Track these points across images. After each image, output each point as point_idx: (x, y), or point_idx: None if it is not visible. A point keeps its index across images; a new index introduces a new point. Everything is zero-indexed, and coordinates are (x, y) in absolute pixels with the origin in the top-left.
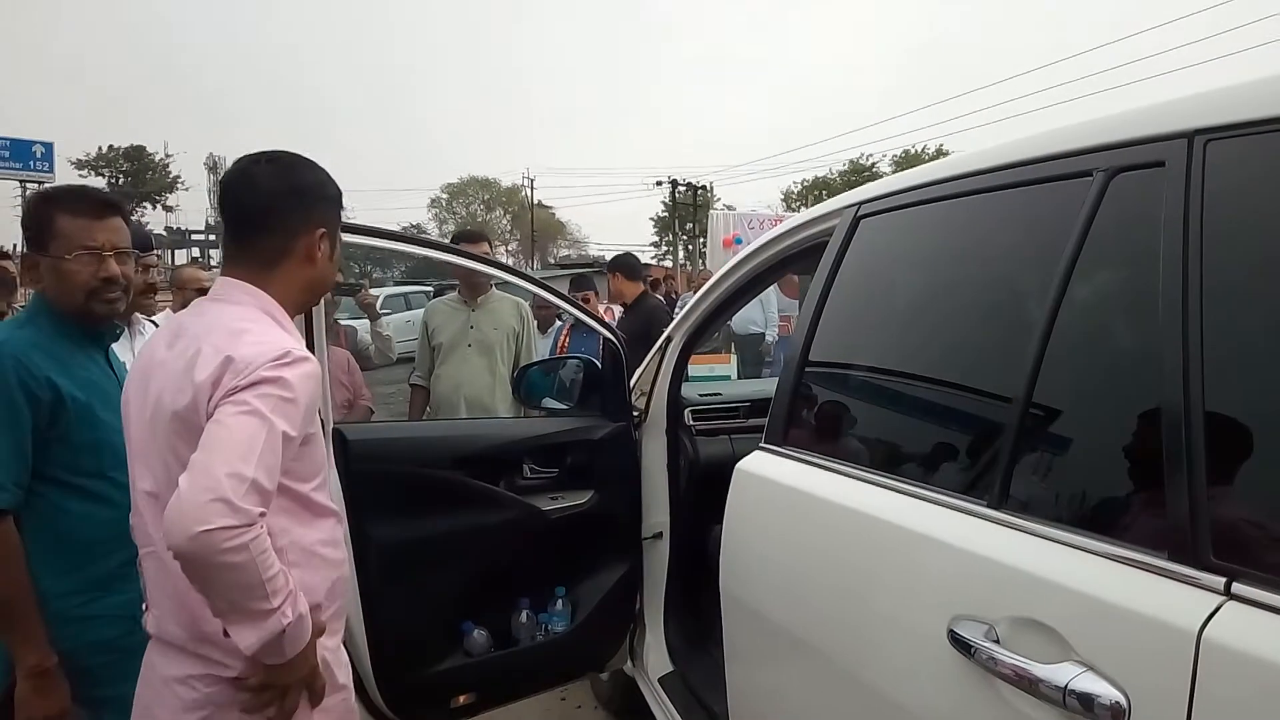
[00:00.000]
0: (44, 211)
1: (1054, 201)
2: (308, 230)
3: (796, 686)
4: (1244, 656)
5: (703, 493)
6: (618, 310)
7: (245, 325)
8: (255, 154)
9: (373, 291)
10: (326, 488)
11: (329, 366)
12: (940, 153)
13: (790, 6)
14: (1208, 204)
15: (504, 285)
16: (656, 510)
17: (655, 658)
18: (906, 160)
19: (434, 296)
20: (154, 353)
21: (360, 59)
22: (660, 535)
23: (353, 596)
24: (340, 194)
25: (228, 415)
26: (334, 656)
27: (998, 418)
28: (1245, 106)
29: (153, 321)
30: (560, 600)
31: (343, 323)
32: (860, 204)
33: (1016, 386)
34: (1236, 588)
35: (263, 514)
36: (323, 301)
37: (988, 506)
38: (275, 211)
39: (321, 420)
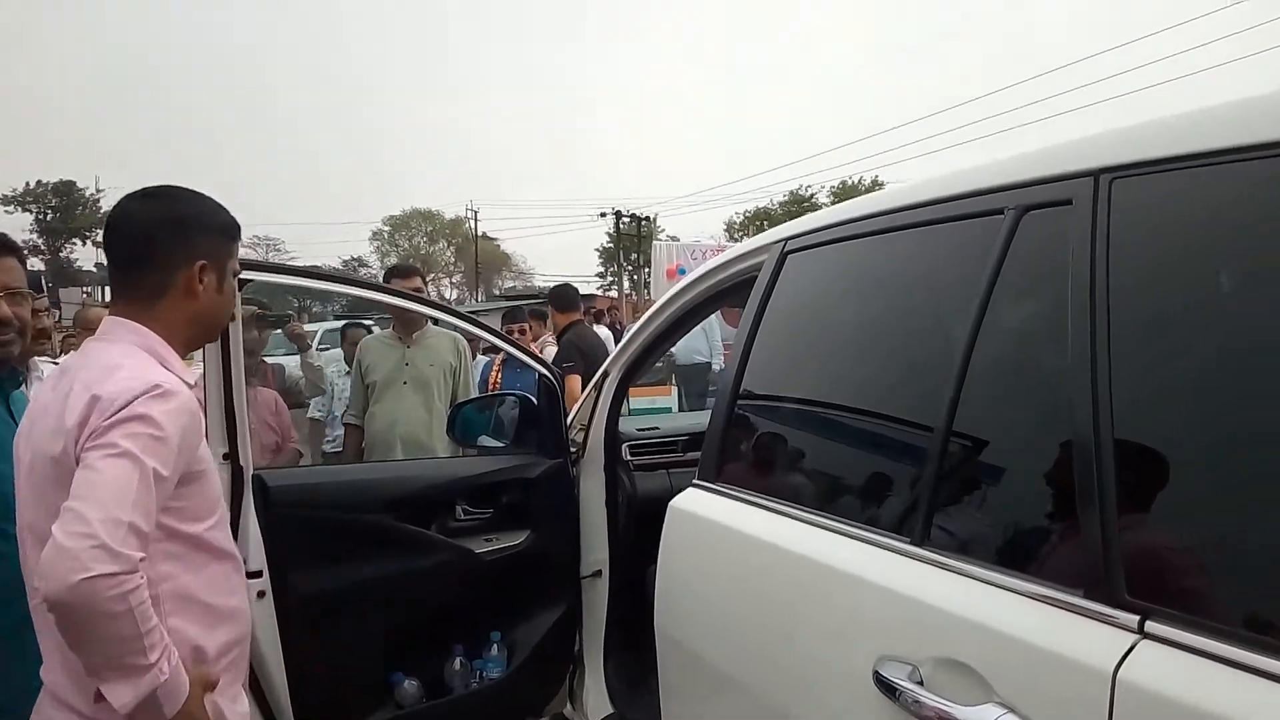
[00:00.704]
0: None
1: (968, 239)
2: (187, 263)
3: None
4: (1157, 698)
5: (641, 529)
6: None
7: (120, 362)
8: (139, 190)
9: (310, 326)
10: (225, 528)
11: (255, 408)
12: (875, 183)
13: (732, 40)
14: (1114, 240)
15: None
16: (595, 548)
17: (595, 700)
18: (844, 190)
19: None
20: (40, 396)
21: (299, 93)
22: (599, 574)
23: (274, 648)
24: (230, 225)
25: (96, 459)
26: (231, 710)
27: (919, 454)
28: (1148, 145)
29: (53, 363)
30: (496, 645)
31: (274, 360)
32: (786, 239)
33: (936, 422)
34: (1150, 626)
35: (142, 559)
36: (238, 337)
37: (911, 544)
38: (152, 246)
39: (240, 461)
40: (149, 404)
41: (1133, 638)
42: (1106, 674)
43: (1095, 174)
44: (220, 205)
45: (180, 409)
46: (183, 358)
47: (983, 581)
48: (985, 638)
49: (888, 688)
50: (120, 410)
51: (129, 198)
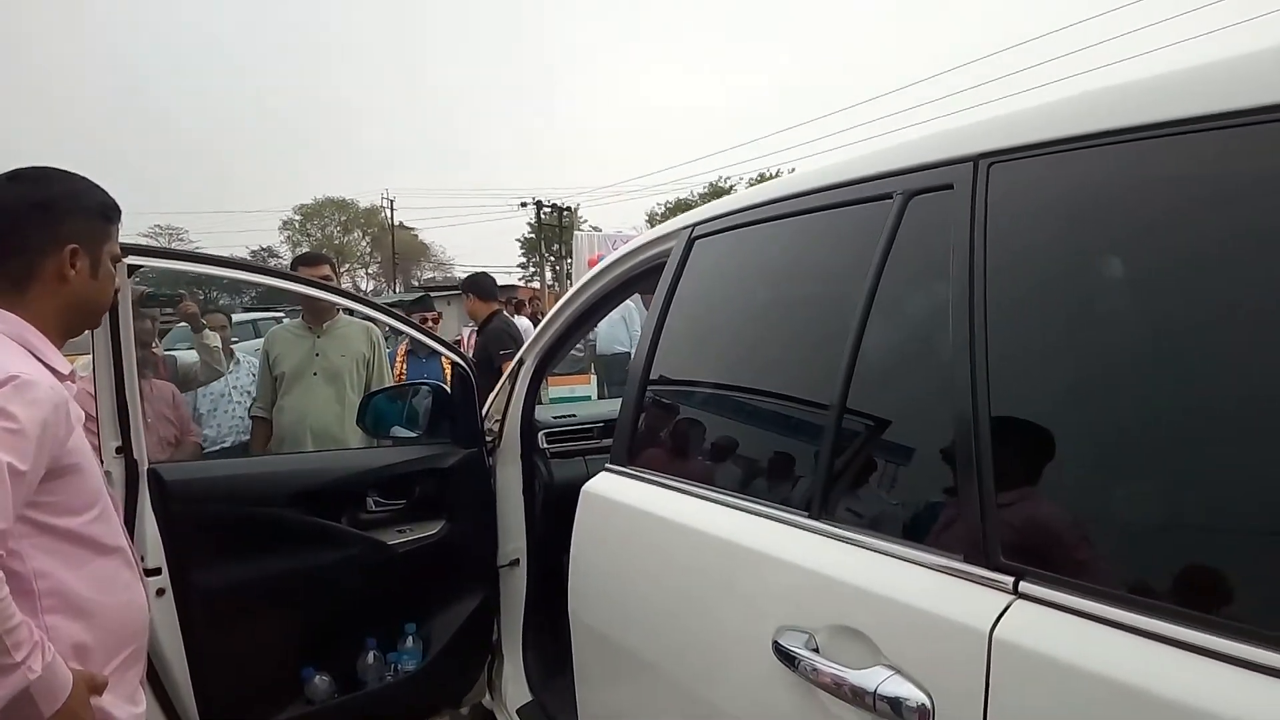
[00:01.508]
0: None
1: (860, 223)
2: (55, 248)
3: (642, 707)
4: (1032, 654)
5: (559, 517)
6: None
7: None
8: (6, 173)
9: (218, 317)
10: (110, 521)
11: (151, 401)
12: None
13: (652, 33)
14: (991, 222)
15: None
16: (513, 537)
17: (514, 688)
18: (762, 182)
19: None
20: None
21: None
22: (517, 562)
23: (176, 645)
24: (105, 205)
25: None
26: (127, 711)
27: (815, 430)
28: (1023, 131)
29: None
30: (410, 637)
31: (166, 351)
32: (694, 225)
33: (830, 399)
34: (1024, 586)
35: (1, 555)
36: (128, 325)
37: (809, 517)
38: (17, 230)
39: (134, 454)
40: (4, 397)
41: (1007, 598)
42: (983, 633)
43: (975, 159)
44: (95, 186)
45: (40, 400)
46: (60, 346)
47: (874, 551)
48: (874, 603)
49: (787, 657)
50: None
51: None
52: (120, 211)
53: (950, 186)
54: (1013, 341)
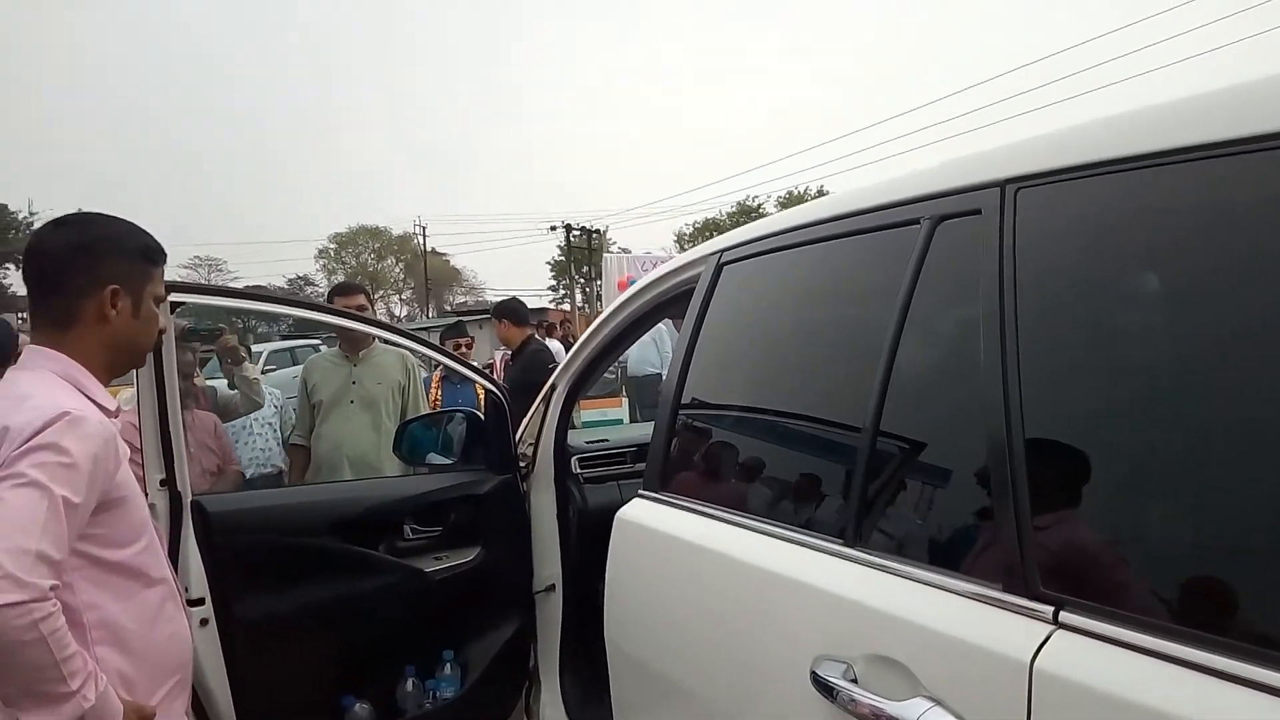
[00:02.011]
0: None
1: (889, 248)
2: (96, 289)
3: None
4: (1074, 686)
5: (593, 542)
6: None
7: (31, 391)
8: (54, 218)
9: (257, 347)
10: (156, 552)
11: (194, 431)
12: (821, 193)
13: (679, 54)
14: (1020, 247)
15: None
16: (548, 562)
17: (552, 714)
18: (790, 200)
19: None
20: None
21: (237, 112)
22: (552, 588)
23: (220, 675)
24: (148, 249)
25: (4, 489)
26: None
27: (848, 456)
28: (1050, 156)
29: None
30: (449, 664)
31: (208, 382)
32: (722, 251)
33: (862, 424)
34: (1064, 616)
35: (54, 586)
36: (171, 361)
37: (845, 545)
38: (60, 273)
39: (178, 487)
40: (58, 432)
41: (1048, 628)
42: (1024, 663)
43: (1001, 184)
44: (138, 229)
45: (91, 435)
46: (105, 384)
47: (911, 580)
48: (912, 633)
49: (825, 687)
50: (29, 440)
51: (43, 227)
52: (164, 254)
53: (978, 212)
54: (1046, 365)
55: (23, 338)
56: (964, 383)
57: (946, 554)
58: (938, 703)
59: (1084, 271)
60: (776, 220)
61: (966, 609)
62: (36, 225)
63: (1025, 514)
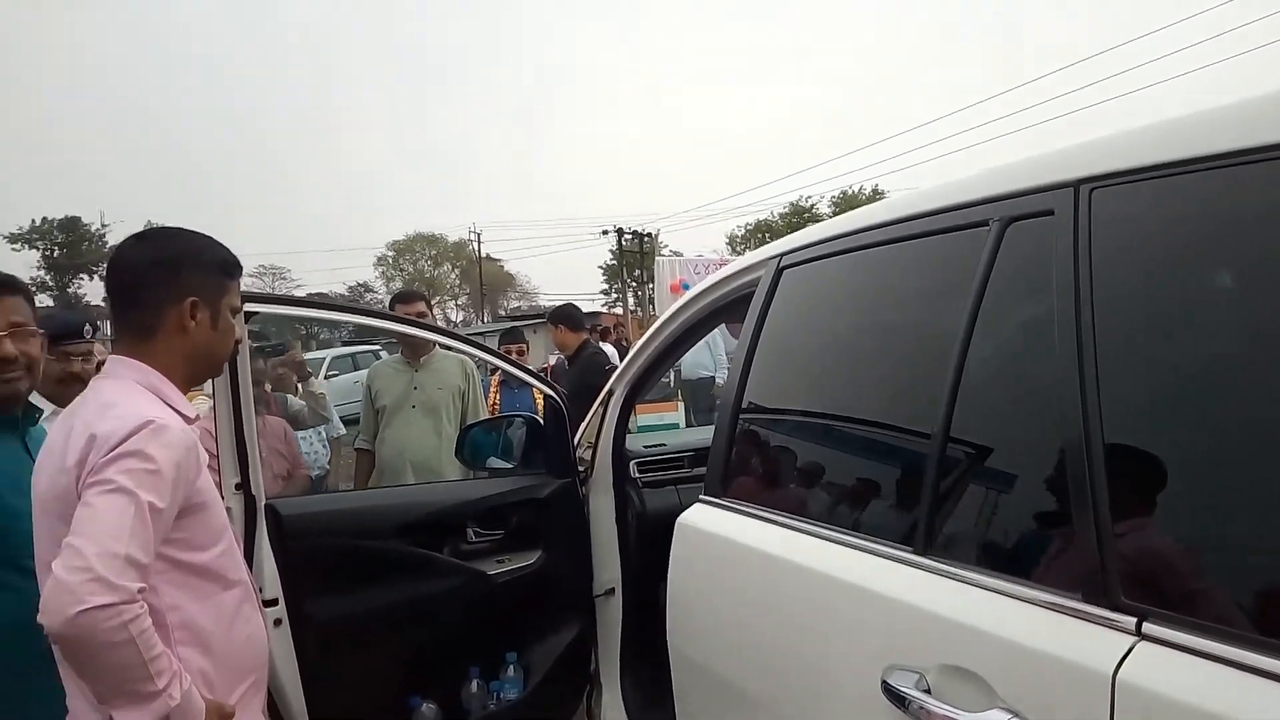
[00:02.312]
0: None
1: (956, 251)
2: (175, 301)
3: None
4: (1158, 699)
5: (652, 546)
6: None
7: (116, 399)
8: (136, 232)
9: (318, 354)
10: (234, 555)
11: (265, 437)
12: (876, 192)
13: (726, 52)
14: (1095, 248)
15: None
16: (607, 566)
17: (613, 717)
18: (844, 200)
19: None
20: (50, 436)
21: (300, 120)
22: (612, 592)
23: (293, 675)
24: (225, 262)
25: (93, 495)
26: None
27: (918, 463)
28: (1124, 155)
29: None
30: (512, 666)
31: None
32: (782, 255)
33: (934, 432)
34: (1147, 628)
35: (142, 589)
36: (245, 369)
37: (914, 553)
38: (142, 285)
39: (253, 491)
40: (143, 440)
41: (1130, 640)
42: (1106, 676)
43: (1075, 184)
44: (215, 243)
45: (174, 443)
46: (185, 392)
47: (984, 588)
48: (988, 644)
49: (896, 697)
50: (115, 447)
51: (125, 241)
52: (240, 267)
53: (1051, 212)
54: (1125, 368)
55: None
56: (1039, 387)
57: (1022, 563)
58: (1015, 715)
59: (1164, 273)
60: (838, 223)
61: (1044, 619)
62: (109, 238)
63: (1105, 521)
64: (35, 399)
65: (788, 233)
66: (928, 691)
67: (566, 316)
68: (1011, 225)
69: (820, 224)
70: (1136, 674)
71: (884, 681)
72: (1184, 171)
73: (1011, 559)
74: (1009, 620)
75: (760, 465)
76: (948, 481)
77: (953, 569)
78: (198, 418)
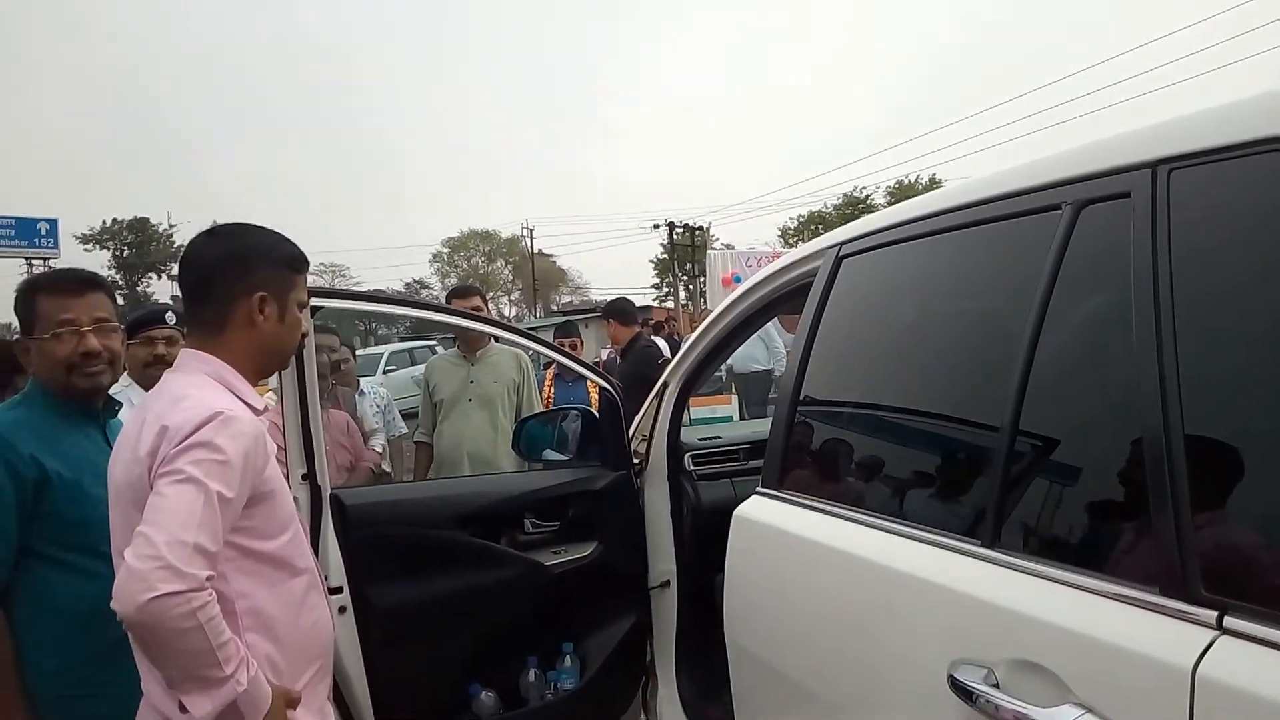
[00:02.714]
0: (28, 297)
1: (1026, 236)
2: (246, 295)
3: None
4: (1239, 693)
5: (707, 539)
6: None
7: (187, 391)
8: (206, 229)
9: (375, 350)
10: (301, 543)
11: (329, 430)
12: (933, 180)
13: (777, 41)
14: (1175, 232)
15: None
16: (662, 558)
17: (669, 710)
18: (900, 190)
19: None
20: (125, 427)
21: (358, 122)
22: (667, 584)
23: (356, 661)
24: (293, 257)
25: (165, 485)
26: None
27: (986, 454)
28: (1204, 135)
29: None
30: (568, 656)
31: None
32: (841, 244)
33: (1002, 422)
34: (1229, 621)
35: (210, 577)
36: (312, 363)
37: (982, 546)
38: (213, 280)
39: (318, 481)
40: (212, 431)
41: (1211, 634)
42: (1185, 671)
43: (1153, 165)
44: (283, 238)
45: (242, 433)
46: (254, 385)
47: (1055, 581)
48: (1060, 638)
49: (964, 691)
50: (186, 438)
51: (197, 237)
52: (307, 263)
53: (1127, 195)
54: (1206, 356)
55: None
56: (1114, 376)
57: (1094, 555)
58: (1089, 710)
59: (1247, 257)
60: (900, 210)
61: (1119, 613)
62: (176, 237)
63: (1185, 513)
64: (121, 386)
65: (841, 224)
66: (996, 686)
67: (619, 310)
68: (1085, 209)
69: (882, 211)
70: (1217, 669)
71: (951, 676)
72: (1268, 150)
73: (1083, 552)
74: (1081, 614)
75: (820, 457)
76: (1016, 474)
77: (1022, 562)
78: (266, 409)
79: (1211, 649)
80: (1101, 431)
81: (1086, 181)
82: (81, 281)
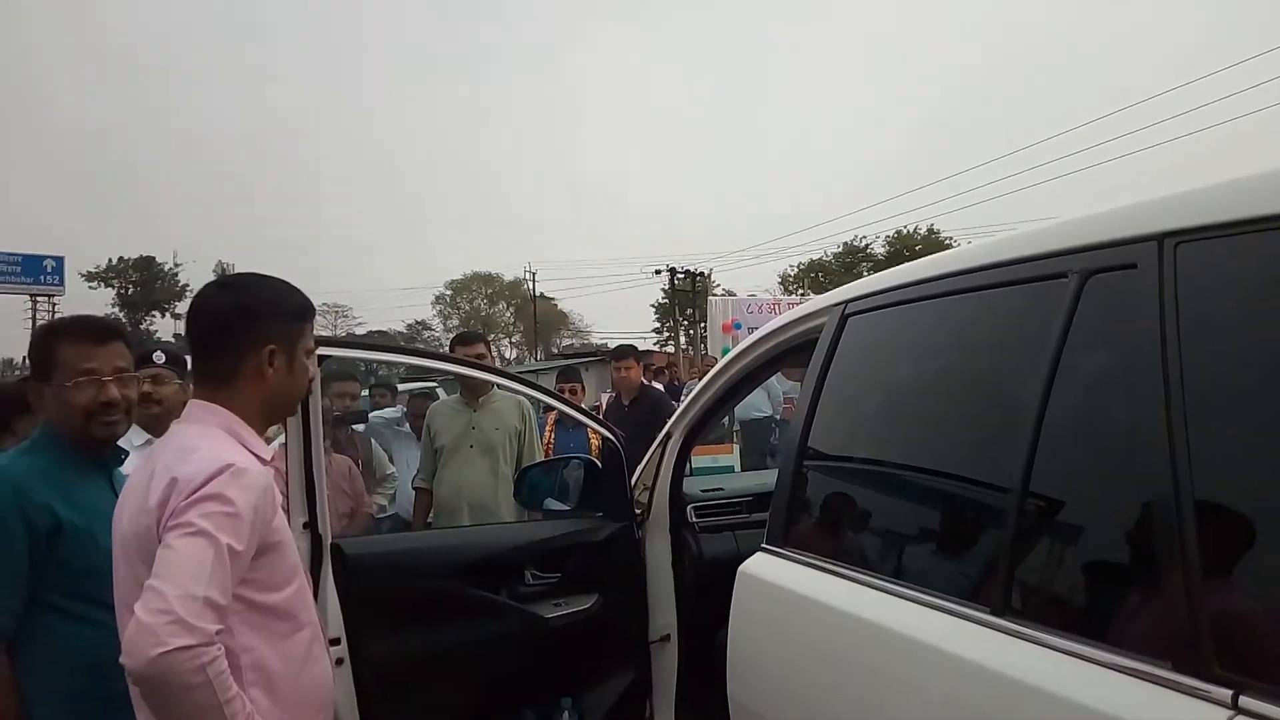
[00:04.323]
0: (47, 342)
1: (1033, 302)
2: (255, 349)
3: None
4: None
5: (709, 592)
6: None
7: (197, 444)
8: (215, 280)
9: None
10: (305, 594)
11: (330, 475)
12: (931, 232)
13: (780, 92)
14: (1182, 304)
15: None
16: (663, 612)
17: None
18: (899, 240)
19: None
20: (133, 476)
21: (361, 164)
22: (668, 638)
23: (352, 714)
24: (300, 308)
25: (174, 538)
26: None
27: (995, 520)
28: (1212, 209)
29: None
30: (566, 711)
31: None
32: (847, 302)
33: (1010, 488)
34: (1244, 701)
35: (219, 631)
36: (318, 412)
37: (991, 614)
38: (223, 333)
39: (319, 530)
40: (222, 483)
41: (1226, 713)
42: None
43: (1159, 238)
44: (290, 288)
45: (252, 485)
46: (261, 434)
47: (1065, 652)
48: (1069, 712)
49: None
50: (196, 491)
51: (206, 288)
52: (314, 311)
53: (1134, 266)
54: (1215, 425)
55: None
56: (1123, 444)
57: (1106, 628)
58: None
59: (1252, 330)
60: (906, 271)
61: (1130, 687)
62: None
63: (1197, 585)
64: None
65: (841, 271)
66: None
67: (635, 352)
68: (1092, 278)
69: (887, 271)
70: None
71: None
72: (1276, 227)
73: (1094, 622)
74: (1093, 689)
75: (826, 516)
76: (1025, 540)
77: (1031, 631)
78: (273, 458)
79: None
80: (1111, 501)
81: (1093, 251)
82: (103, 330)
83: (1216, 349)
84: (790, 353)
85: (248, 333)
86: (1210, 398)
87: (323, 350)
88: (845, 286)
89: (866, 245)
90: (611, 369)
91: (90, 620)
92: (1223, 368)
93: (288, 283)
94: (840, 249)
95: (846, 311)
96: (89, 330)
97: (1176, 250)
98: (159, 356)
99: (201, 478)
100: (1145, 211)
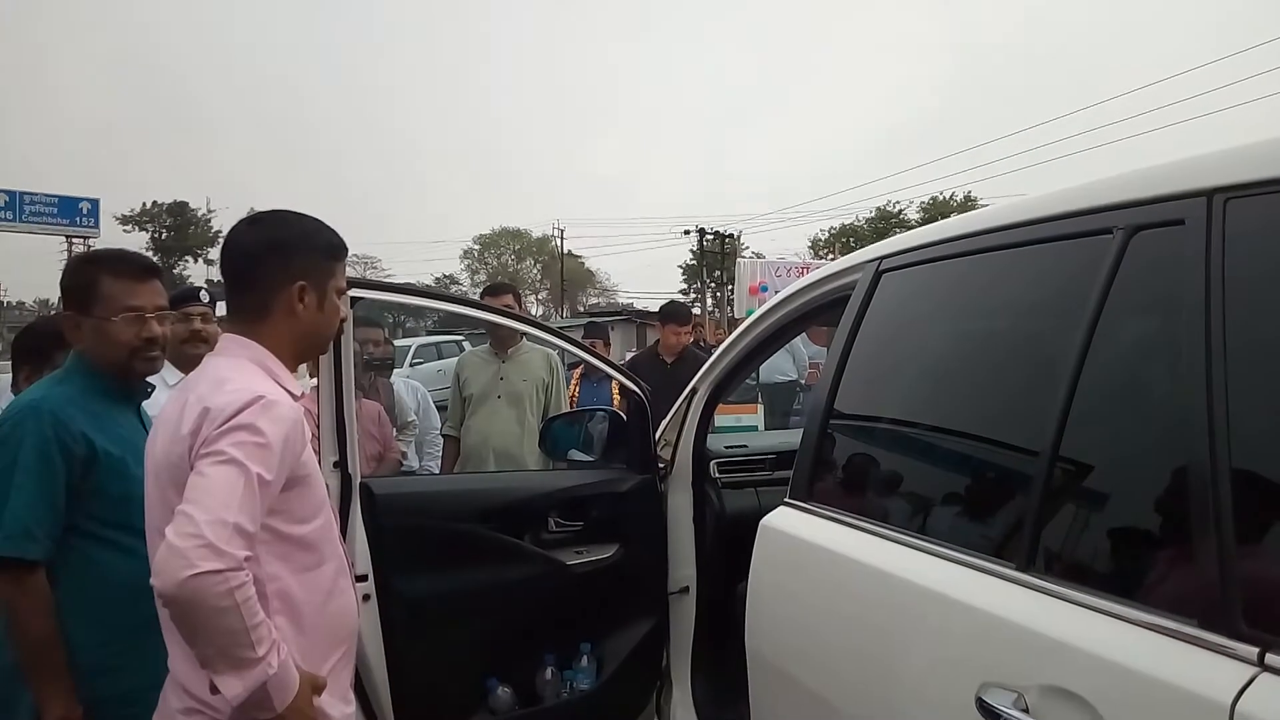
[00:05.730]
0: (88, 273)
1: (1075, 258)
2: (286, 284)
3: None
4: None
5: (729, 547)
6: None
7: (230, 375)
8: (247, 216)
9: (404, 341)
10: (331, 529)
11: (360, 419)
12: (968, 198)
13: (816, 53)
14: (1229, 262)
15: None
16: (683, 564)
17: (682, 715)
18: (934, 206)
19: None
20: (166, 407)
21: (392, 117)
22: (686, 590)
23: (377, 649)
24: (332, 246)
25: (206, 465)
26: (338, 712)
27: (1024, 476)
28: (1267, 164)
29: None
30: (586, 657)
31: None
32: (881, 259)
33: (1042, 444)
34: (1271, 659)
35: (248, 557)
36: (348, 352)
37: (1016, 569)
38: (254, 268)
39: (349, 469)
40: (254, 414)
41: (1251, 670)
42: (1224, 706)
43: (1209, 194)
44: (324, 226)
45: (282, 418)
46: (293, 370)
47: (1091, 609)
48: (1095, 666)
49: (992, 715)
50: (228, 420)
51: (239, 224)
52: (346, 250)
53: (1181, 222)
54: (1256, 386)
55: None
56: (1161, 403)
57: (1134, 584)
58: None
59: None
60: (944, 227)
61: (1157, 644)
62: (214, 222)
63: (1229, 544)
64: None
65: (874, 236)
66: (1026, 711)
67: (674, 314)
68: (1137, 234)
69: (925, 227)
70: (1258, 707)
71: (979, 699)
72: None
73: (1122, 579)
74: (1119, 643)
75: (850, 471)
76: (1054, 497)
77: (1057, 586)
78: (304, 395)
79: (1252, 686)
80: (1145, 458)
81: (1140, 207)
82: (147, 268)
83: (1265, 310)
84: (820, 310)
85: (278, 269)
86: (1256, 361)
87: (354, 292)
88: (880, 243)
89: (900, 211)
90: (663, 328)
91: (123, 546)
92: (1270, 331)
93: (320, 220)
94: (873, 214)
95: (881, 268)
96: (134, 266)
97: (1226, 206)
98: (204, 295)
99: (233, 408)
100: (1195, 166)
